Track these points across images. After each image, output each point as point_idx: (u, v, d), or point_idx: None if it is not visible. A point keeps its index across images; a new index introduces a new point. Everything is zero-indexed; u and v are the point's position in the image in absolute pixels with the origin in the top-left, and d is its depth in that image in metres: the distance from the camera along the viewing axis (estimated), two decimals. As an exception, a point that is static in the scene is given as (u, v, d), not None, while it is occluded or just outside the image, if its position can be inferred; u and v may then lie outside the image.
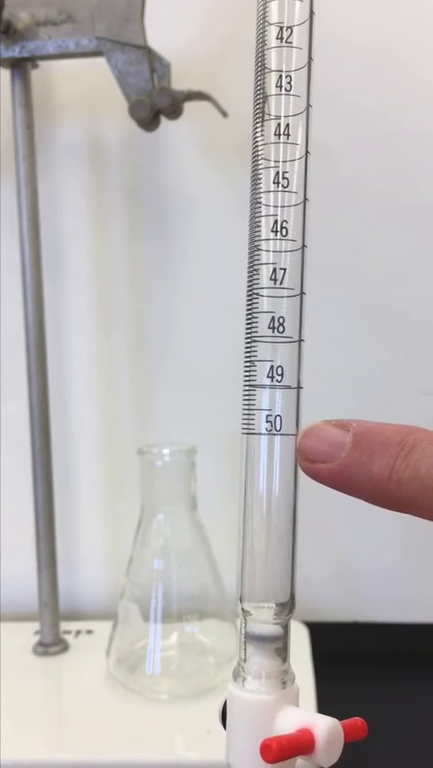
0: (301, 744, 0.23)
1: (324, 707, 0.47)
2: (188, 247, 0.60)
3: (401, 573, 0.63)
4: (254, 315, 0.24)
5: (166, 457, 0.51)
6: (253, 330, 0.24)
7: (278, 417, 0.24)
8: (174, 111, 0.48)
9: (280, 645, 0.27)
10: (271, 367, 0.24)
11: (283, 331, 0.24)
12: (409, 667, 0.61)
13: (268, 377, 0.24)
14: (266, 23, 0.25)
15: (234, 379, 0.63)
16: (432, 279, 0.59)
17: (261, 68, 0.24)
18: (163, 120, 0.50)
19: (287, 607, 0.27)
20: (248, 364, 0.24)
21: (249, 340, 0.24)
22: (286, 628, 0.27)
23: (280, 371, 0.24)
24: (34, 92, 0.51)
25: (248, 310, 0.24)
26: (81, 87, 0.58)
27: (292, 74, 0.24)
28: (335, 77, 0.56)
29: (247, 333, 0.24)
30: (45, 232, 0.53)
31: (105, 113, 0.58)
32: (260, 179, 0.24)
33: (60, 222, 0.60)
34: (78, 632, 0.58)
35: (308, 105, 0.23)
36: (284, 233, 0.23)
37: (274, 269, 0.23)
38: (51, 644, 0.55)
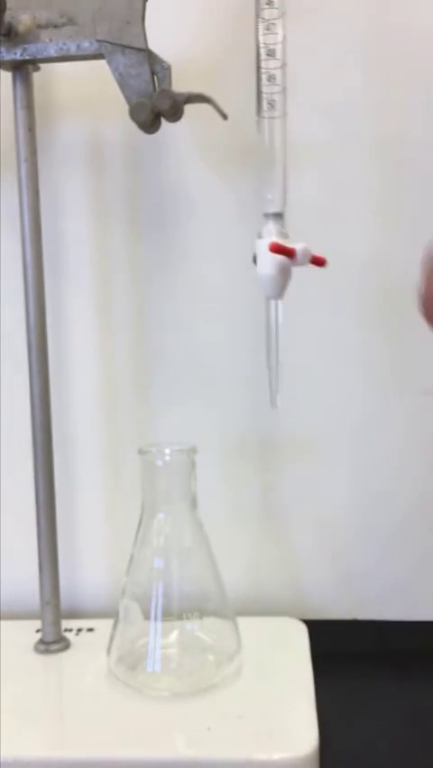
0: (288, 251, 0.36)
1: (323, 704, 0.47)
2: (189, 248, 0.60)
3: (401, 570, 0.63)
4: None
5: (166, 456, 0.51)
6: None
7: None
8: (175, 113, 0.48)
9: None
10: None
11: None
12: (408, 665, 0.61)
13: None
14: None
15: (235, 379, 0.64)
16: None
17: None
18: (164, 122, 0.50)
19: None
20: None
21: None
22: None
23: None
24: (36, 94, 0.52)
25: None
26: (82, 90, 0.58)
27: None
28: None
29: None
30: (46, 232, 0.53)
31: (106, 115, 0.58)
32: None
33: (62, 222, 0.60)
34: (80, 630, 0.58)
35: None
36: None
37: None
38: (53, 642, 0.56)
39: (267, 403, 0.61)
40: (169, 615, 0.50)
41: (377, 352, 0.60)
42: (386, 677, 0.60)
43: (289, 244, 0.36)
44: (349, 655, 0.61)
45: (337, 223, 0.59)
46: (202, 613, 0.51)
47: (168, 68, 0.48)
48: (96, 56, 0.48)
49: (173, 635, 0.50)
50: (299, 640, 0.56)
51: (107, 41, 0.48)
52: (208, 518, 0.52)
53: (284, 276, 0.36)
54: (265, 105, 0.39)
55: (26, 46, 0.49)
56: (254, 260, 0.37)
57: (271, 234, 0.37)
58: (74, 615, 0.62)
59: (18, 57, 0.49)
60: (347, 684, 0.58)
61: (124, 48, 0.48)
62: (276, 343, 0.40)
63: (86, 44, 0.48)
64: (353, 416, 0.61)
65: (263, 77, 0.39)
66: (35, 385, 0.54)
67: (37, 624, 0.57)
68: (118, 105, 0.48)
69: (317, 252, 0.37)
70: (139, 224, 0.60)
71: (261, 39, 0.40)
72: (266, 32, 0.40)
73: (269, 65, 0.39)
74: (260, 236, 0.37)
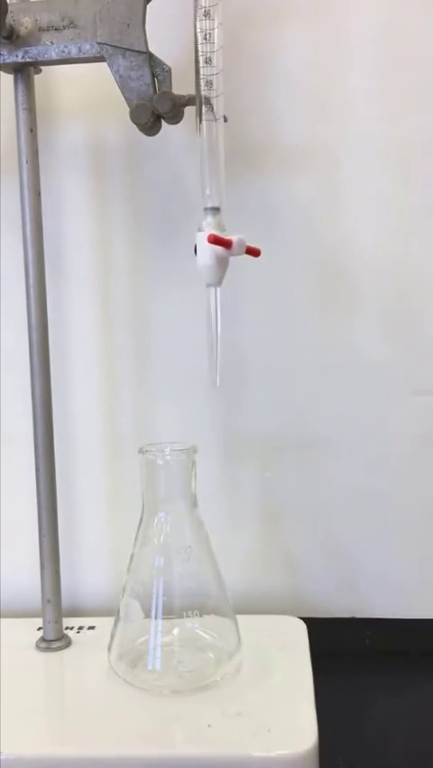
0: (225, 241, 0.40)
1: (322, 702, 0.48)
2: (189, 248, 0.60)
3: (400, 568, 0.63)
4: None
5: (167, 456, 0.51)
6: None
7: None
8: (175, 115, 0.49)
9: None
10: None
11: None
12: (407, 663, 0.62)
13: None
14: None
15: (234, 379, 0.64)
16: (430, 279, 0.60)
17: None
18: (164, 124, 0.50)
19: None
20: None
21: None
22: None
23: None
24: (37, 96, 0.52)
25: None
26: (83, 92, 0.58)
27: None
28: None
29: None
30: (47, 233, 0.54)
31: (107, 117, 0.59)
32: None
33: (63, 223, 0.61)
34: (81, 628, 0.59)
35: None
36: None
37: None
38: (54, 640, 0.56)
39: (267, 403, 0.61)
40: (169, 613, 0.50)
41: (377, 352, 0.61)
42: (385, 675, 0.60)
43: (225, 236, 0.39)
44: (348, 653, 0.61)
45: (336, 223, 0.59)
46: (202, 611, 0.51)
47: (168, 71, 0.48)
48: (97, 58, 0.49)
49: (174, 633, 0.51)
50: (299, 638, 0.57)
51: (108, 44, 0.48)
52: (209, 517, 0.52)
53: (221, 265, 0.40)
54: (204, 108, 0.42)
55: (28, 48, 0.49)
56: (195, 251, 0.40)
57: (210, 227, 0.40)
58: (75, 613, 0.62)
59: (20, 59, 0.49)
60: (346, 682, 0.58)
61: (124, 50, 0.48)
62: (216, 327, 0.42)
63: (87, 47, 0.49)
64: (352, 416, 0.62)
65: (202, 82, 0.42)
66: (37, 385, 0.54)
67: (38, 622, 0.57)
68: (119, 107, 0.49)
69: (251, 244, 0.41)
70: (139, 224, 0.61)
71: (199, 47, 0.43)
72: (203, 41, 0.43)
73: (207, 71, 0.42)
74: (200, 229, 0.40)
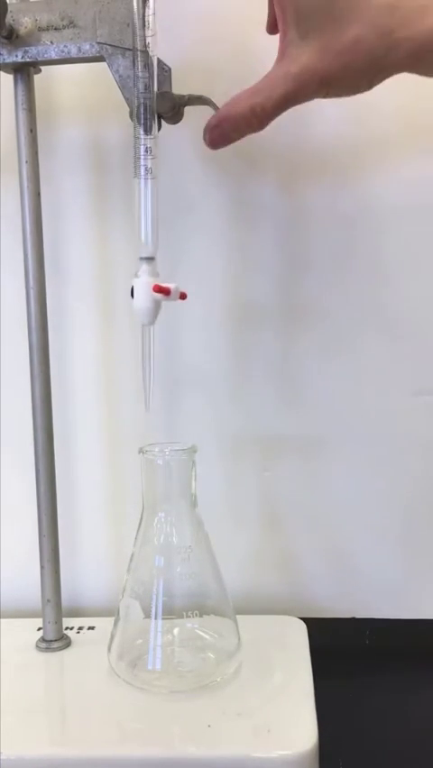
0: (165, 290, 0.46)
1: (322, 703, 0.48)
2: (189, 248, 0.60)
3: (400, 568, 0.63)
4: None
5: (167, 456, 0.51)
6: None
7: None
8: (175, 115, 0.49)
9: None
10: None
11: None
12: (407, 663, 0.62)
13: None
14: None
15: (234, 379, 0.64)
16: (429, 279, 0.60)
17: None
18: (164, 124, 0.50)
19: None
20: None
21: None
22: None
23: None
24: (37, 96, 0.52)
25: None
26: (83, 92, 0.58)
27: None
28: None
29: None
30: (47, 233, 0.54)
31: (107, 117, 0.59)
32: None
33: (63, 224, 0.61)
34: (81, 628, 0.59)
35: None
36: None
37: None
38: (54, 640, 0.56)
39: (267, 403, 0.62)
40: (169, 613, 0.50)
41: (377, 353, 0.61)
42: (385, 675, 0.60)
43: (163, 284, 0.46)
44: (348, 653, 0.61)
45: (338, 224, 0.59)
46: (202, 611, 0.51)
47: (168, 71, 0.48)
48: (97, 58, 0.49)
49: (174, 633, 0.51)
50: (299, 638, 0.57)
51: (108, 44, 0.48)
52: (209, 517, 0.52)
53: (157, 308, 0.47)
54: (142, 171, 0.46)
55: (27, 48, 0.49)
56: (132, 294, 0.47)
57: (146, 274, 0.47)
58: (75, 613, 0.62)
59: (19, 59, 0.49)
60: (346, 682, 0.59)
61: (124, 50, 0.48)
62: (150, 362, 0.49)
63: (86, 47, 0.49)
64: (353, 416, 0.62)
65: (141, 148, 0.46)
66: (36, 385, 0.54)
67: (38, 622, 0.57)
68: (119, 108, 0.49)
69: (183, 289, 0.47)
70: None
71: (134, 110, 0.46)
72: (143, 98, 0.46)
73: (146, 142, 0.46)
74: (136, 275, 0.47)
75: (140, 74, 0.46)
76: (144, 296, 0.46)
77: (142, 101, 0.46)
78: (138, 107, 0.46)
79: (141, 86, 0.46)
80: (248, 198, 0.59)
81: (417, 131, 0.58)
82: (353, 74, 0.40)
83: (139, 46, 0.45)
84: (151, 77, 0.46)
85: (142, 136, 0.46)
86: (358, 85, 0.41)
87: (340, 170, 0.59)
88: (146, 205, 0.46)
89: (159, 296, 0.46)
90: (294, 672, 0.52)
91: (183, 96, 0.48)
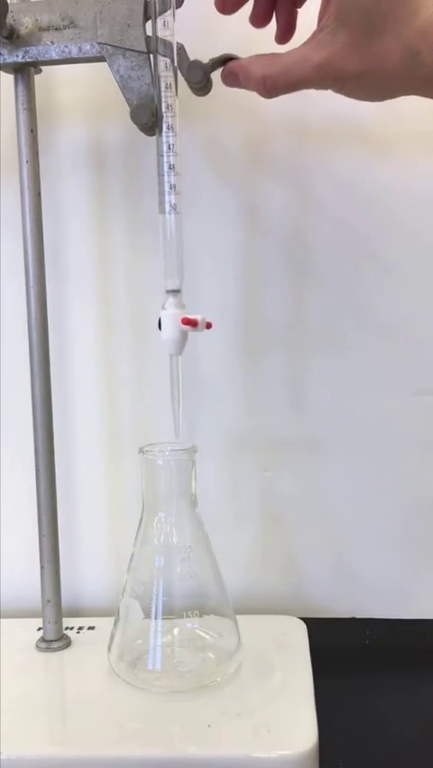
0: (193, 322, 0.47)
1: (322, 703, 0.48)
2: (188, 248, 0.60)
3: (400, 569, 0.63)
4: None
5: (167, 456, 0.51)
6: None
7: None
8: (205, 86, 0.48)
9: None
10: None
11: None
12: (407, 663, 0.62)
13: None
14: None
15: (234, 379, 0.64)
16: (429, 279, 0.60)
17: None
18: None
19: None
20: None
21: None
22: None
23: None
24: (37, 96, 0.52)
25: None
26: (84, 92, 0.58)
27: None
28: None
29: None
30: (48, 233, 0.54)
31: (107, 117, 0.59)
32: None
33: (63, 224, 0.61)
34: (81, 628, 0.59)
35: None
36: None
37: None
38: (54, 640, 0.56)
39: (267, 403, 0.62)
40: (169, 613, 0.50)
41: (377, 353, 0.61)
42: (385, 675, 0.60)
43: (190, 316, 0.47)
44: (348, 653, 0.61)
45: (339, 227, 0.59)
46: (202, 611, 0.51)
47: (182, 47, 0.47)
48: (98, 58, 0.49)
49: (174, 633, 0.51)
50: (299, 638, 0.57)
51: (109, 44, 0.48)
52: (209, 517, 0.52)
53: (184, 339, 0.48)
54: (167, 207, 0.47)
55: (28, 48, 0.49)
56: (159, 326, 0.47)
57: (172, 306, 0.47)
58: (75, 613, 0.62)
59: (20, 59, 0.49)
60: (346, 682, 0.59)
61: (125, 50, 0.48)
62: (178, 390, 0.49)
63: (87, 47, 0.49)
64: (353, 416, 0.62)
65: (166, 186, 0.47)
66: (36, 384, 0.54)
67: (38, 622, 0.57)
68: (119, 108, 0.49)
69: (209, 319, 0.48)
70: (139, 224, 0.61)
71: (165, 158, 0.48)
72: (168, 151, 0.47)
73: (170, 179, 0.47)
74: (163, 307, 0.47)
75: (162, 74, 0.46)
76: (172, 328, 0.47)
77: (163, 99, 0.47)
78: (158, 109, 0.47)
79: (162, 86, 0.47)
80: (249, 196, 0.59)
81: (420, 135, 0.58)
82: (368, 81, 0.40)
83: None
84: (175, 73, 0.47)
85: (165, 153, 0.47)
86: (369, 93, 0.42)
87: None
88: (171, 240, 0.47)
89: (187, 327, 0.47)
90: (294, 671, 0.52)
91: (207, 63, 0.47)
